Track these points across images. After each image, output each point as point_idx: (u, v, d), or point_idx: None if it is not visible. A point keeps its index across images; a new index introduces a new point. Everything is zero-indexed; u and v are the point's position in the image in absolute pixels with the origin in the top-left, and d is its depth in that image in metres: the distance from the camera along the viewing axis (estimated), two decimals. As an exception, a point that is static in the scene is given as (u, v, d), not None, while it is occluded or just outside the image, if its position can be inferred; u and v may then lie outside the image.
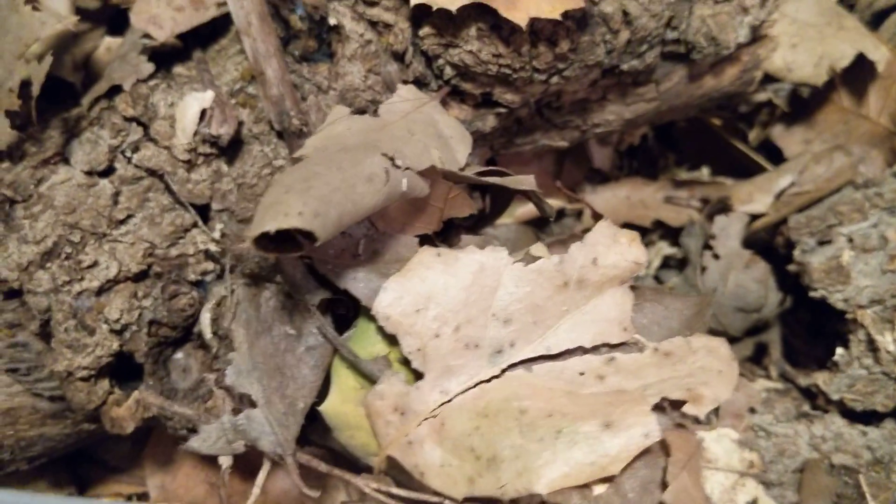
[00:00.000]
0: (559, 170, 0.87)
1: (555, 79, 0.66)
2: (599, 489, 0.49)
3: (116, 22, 0.75)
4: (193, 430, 0.65)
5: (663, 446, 0.50)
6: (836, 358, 0.74)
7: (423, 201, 0.58)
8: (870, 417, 0.73)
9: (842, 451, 0.72)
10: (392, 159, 0.53)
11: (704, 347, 0.52)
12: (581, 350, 0.54)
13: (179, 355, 0.64)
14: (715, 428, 0.72)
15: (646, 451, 0.50)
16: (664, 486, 0.49)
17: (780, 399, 0.76)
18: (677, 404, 0.50)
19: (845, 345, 0.74)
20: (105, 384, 0.63)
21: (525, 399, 0.51)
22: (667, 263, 0.87)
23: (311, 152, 0.54)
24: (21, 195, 0.65)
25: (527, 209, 0.85)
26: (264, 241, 0.46)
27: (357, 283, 0.54)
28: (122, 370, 0.65)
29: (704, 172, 0.90)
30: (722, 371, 0.51)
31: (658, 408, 0.50)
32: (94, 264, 0.63)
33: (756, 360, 0.84)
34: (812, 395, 0.76)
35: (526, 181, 0.58)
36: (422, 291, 0.53)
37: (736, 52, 0.72)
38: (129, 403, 0.64)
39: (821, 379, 0.74)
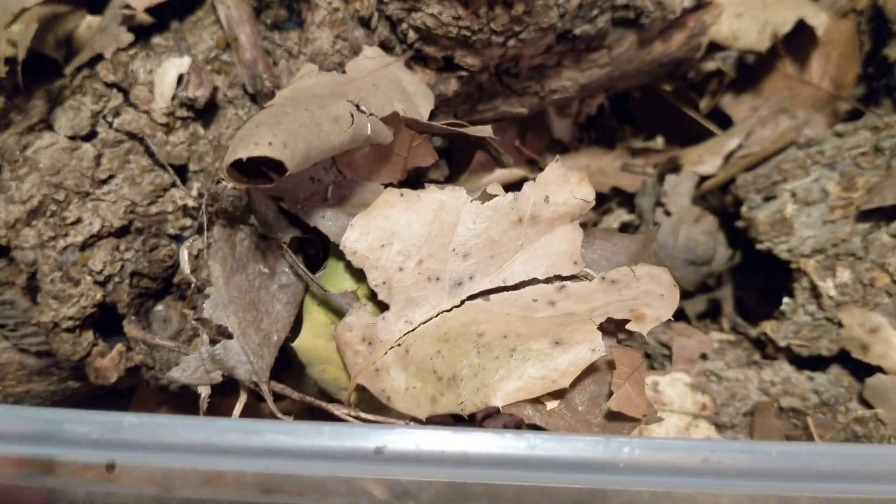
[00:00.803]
0: (522, 141, 0.91)
1: (512, 41, 0.70)
2: (552, 404, 0.53)
3: (96, 3, 0.79)
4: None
5: (609, 365, 0.54)
6: (782, 307, 0.79)
7: (388, 150, 0.62)
8: (816, 363, 0.78)
9: (790, 394, 0.76)
10: (357, 105, 0.57)
11: (648, 275, 0.56)
12: (535, 281, 0.58)
13: (160, 307, 0.68)
14: (669, 372, 0.76)
15: (594, 370, 0.54)
16: (609, 398, 0.53)
17: (731, 348, 0.80)
18: (622, 324, 0.54)
19: (790, 294, 0.78)
20: (89, 335, 0.66)
21: (483, 324, 0.55)
22: (624, 230, 0.92)
23: (282, 100, 0.58)
24: (7, 160, 0.68)
25: (492, 177, 0.89)
26: (236, 172, 0.50)
27: (326, 221, 0.57)
28: (106, 324, 0.69)
29: (659, 142, 0.95)
30: (664, 295, 0.55)
31: (604, 329, 0.53)
32: (78, 221, 0.66)
33: (710, 315, 0.88)
34: (762, 345, 0.81)
35: (484, 130, 0.62)
36: (386, 228, 0.57)
37: (682, 17, 0.76)
38: (112, 354, 0.67)
39: (769, 327, 0.78)
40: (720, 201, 0.85)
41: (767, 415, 0.75)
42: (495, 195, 0.58)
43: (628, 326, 0.53)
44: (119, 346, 0.67)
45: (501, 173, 0.87)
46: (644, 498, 0.44)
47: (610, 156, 0.91)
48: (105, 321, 0.68)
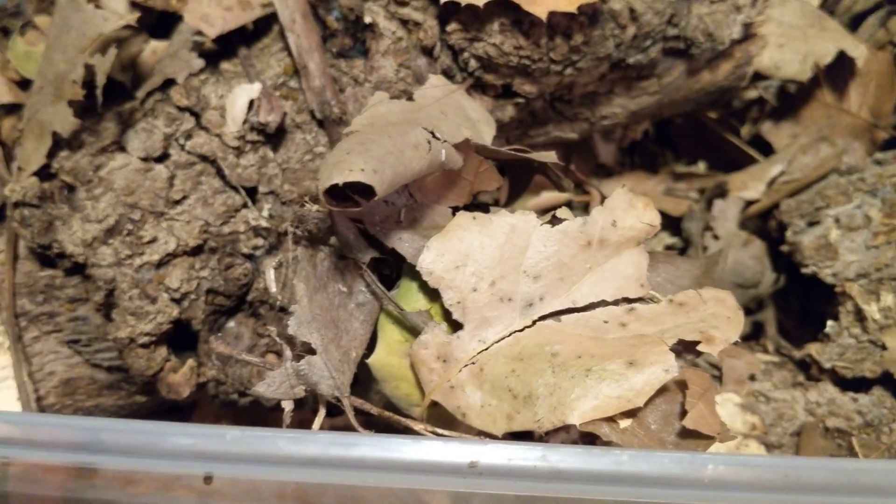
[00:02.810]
0: (567, 165, 0.94)
1: (569, 70, 0.73)
2: (625, 423, 0.55)
3: (156, 28, 0.82)
4: (244, 394, 0.70)
5: (680, 385, 0.56)
6: (827, 330, 0.81)
7: (456, 174, 0.65)
8: (860, 384, 0.80)
9: (835, 415, 0.78)
10: (432, 132, 0.59)
11: (713, 298, 0.59)
12: (603, 303, 0.60)
13: (232, 323, 0.70)
14: (719, 393, 0.78)
15: (664, 390, 0.56)
16: (682, 416, 0.55)
17: (777, 370, 0.82)
18: (692, 345, 0.56)
19: (835, 317, 0.80)
20: (163, 351, 0.69)
21: (556, 344, 0.57)
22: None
23: (360, 127, 0.60)
24: (80, 180, 0.71)
25: (539, 200, 0.91)
26: (328, 196, 0.52)
27: (402, 242, 0.60)
28: (178, 340, 0.71)
29: (701, 167, 0.97)
30: (730, 317, 0.57)
31: (675, 350, 0.56)
32: (154, 240, 0.69)
33: (753, 338, 0.90)
34: (806, 367, 0.83)
35: (549, 156, 0.65)
36: (460, 250, 0.59)
37: (730, 48, 0.79)
38: (184, 370, 0.69)
39: (814, 349, 0.80)
40: (763, 226, 0.88)
41: (814, 435, 0.77)
42: (565, 219, 0.60)
43: (700, 348, 0.55)
44: (190, 362, 0.69)
45: (548, 196, 0.89)
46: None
47: (653, 180, 0.94)
48: (177, 337, 0.70)
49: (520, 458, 0.46)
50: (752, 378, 0.79)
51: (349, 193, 0.55)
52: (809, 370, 0.81)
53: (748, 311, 0.90)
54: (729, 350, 0.81)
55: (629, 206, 0.60)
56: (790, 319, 0.92)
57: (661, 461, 0.46)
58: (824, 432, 0.78)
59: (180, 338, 0.70)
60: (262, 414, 0.73)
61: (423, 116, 0.63)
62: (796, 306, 0.93)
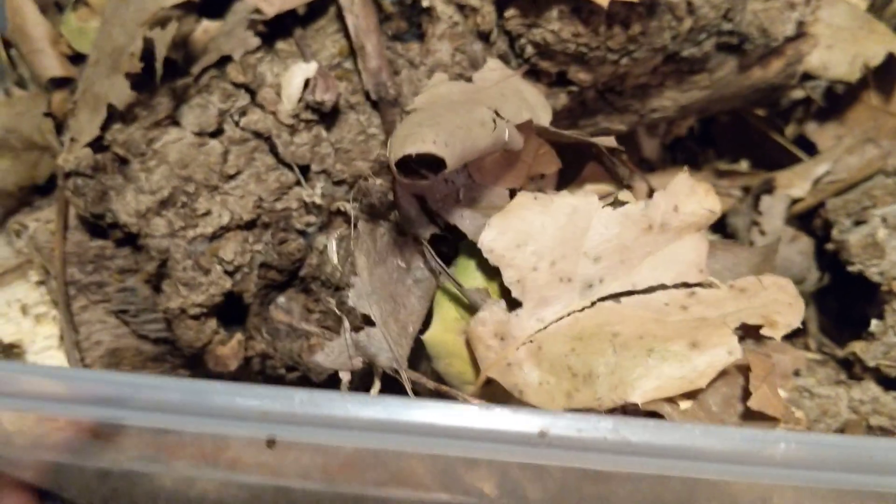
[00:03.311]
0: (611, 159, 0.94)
1: (624, 60, 0.73)
2: (685, 404, 0.55)
3: (206, 8, 0.82)
4: (293, 368, 0.70)
5: (740, 369, 0.56)
6: (871, 328, 0.80)
7: (515, 156, 0.65)
8: (902, 384, 0.79)
9: (879, 413, 0.78)
10: (496, 112, 0.60)
11: (774, 284, 0.59)
12: (663, 287, 0.60)
13: (282, 299, 0.70)
14: (763, 387, 0.77)
15: (725, 374, 0.56)
16: (743, 400, 0.55)
17: (820, 367, 0.82)
18: (754, 330, 0.56)
19: (880, 316, 0.80)
20: (213, 324, 0.69)
21: (616, 325, 0.57)
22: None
23: (423, 105, 0.60)
24: (133, 153, 0.71)
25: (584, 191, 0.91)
26: (398, 168, 0.52)
27: (464, 219, 0.60)
28: (226, 314, 0.71)
29: (743, 165, 0.97)
30: (791, 303, 0.57)
31: (736, 334, 0.56)
32: (208, 213, 0.69)
33: (795, 335, 0.90)
34: (849, 365, 0.82)
35: (609, 140, 0.65)
36: (521, 229, 0.59)
37: (782, 45, 0.79)
38: (232, 343, 0.69)
39: (858, 347, 0.80)
40: (807, 225, 0.88)
41: (858, 432, 0.76)
42: (626, 202, 0.60)
43: (763, 332, 0.55)
44: (238, 336, 0.69)
45: (593, 187, 0.89)
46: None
47: (697, 176, 0.93)
48: (225, 311, 0.70)
49: (590, 429, 0.46)
50: (797, 373, 0.79)
51: (416, 167, 0.55)
52: (852, 368, 0.81)
53: (789, 310, 0.90)
54: (774, 345, 0.81)
55: (691, 192, 0.60)
56: (829, 320, 0.92)
57: (734, 437, 0.46)
58: (867, 430, 0.77)
59: (228, 312, 0.70)
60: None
61: (484, 97, 0.63)
62: (835, 307, 0.93)
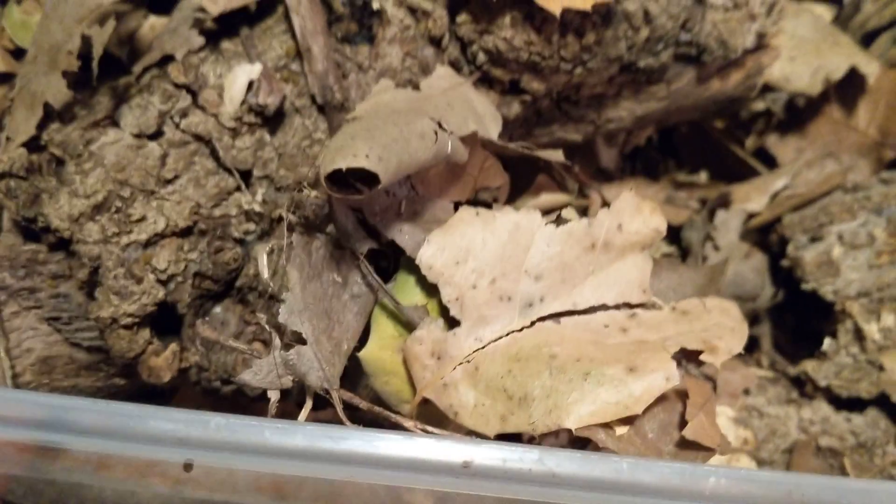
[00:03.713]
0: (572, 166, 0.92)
1: (579, 69, 0.71)
2: (621, 430, 0.53)
3: (156, 4, 0.79)
4: (227, 382, 0.68)
5: (679, 394, 0.55)
6: (824, 347, 0.80)
7: (460, 169, 0.63)
8: (854, 404, 0.79)
9: (828, 434, 0.77)
10: (439, 123, 0.58)
11: (718, 307, 0.57)
12: (604, 307, 0.58)
13: (218, 309, 0.68)
14: (713, 405, 0.76)
15: (663, 399, 0.54)
16: (680, 427, 0.53)
17: (771, 385, 0.81)
18: (694, 355, 0.54)
19: (833, 335, 0.79)
20: (146, 334, 0.66)
21: (555, 346, 0.56)
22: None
23: (364, 113, 0.58)
24: (70, 154, 0.68)
25: (538, 201, 0.90)
26: (329, 182, 0.50)
27: (403, 234, 0.58)
28: (161, 324, 0.69)
29: (703, 176, 0.96)
30: (734, 328, 0.56)
31: (676, 358, 0.54)
32: (143, 218, 0.66)
33: (748, 352, 0.89)
34: (801, 384, 0.82)
35: (556, 154, 0.63)
36: (462, 245, 0.57)
37: (742, 57, 0.78)
38: (166, 354, 0.67)
39: (810, 366, 0.79)
40: (763, 240, 0.87)
41: (806, 453, 0.76)
42: (570, 220, 0.59)
43: (702, 357, 0.54)
44: (173, 346, 0.67)
45: (548, 198, 0.88)
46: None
47: (654, 188, 0.93)
48: (161, 321, 0.68)
49: (515, 460, 0.44)
50: (747, 392, 0.78)
51: (351, 181, 0.53)
52: (804, 387, 0.80)
53: (744, 325, 0.89)
54: (725, 363, 0.80)
55: (636, 211, 0.59)
56: (784, 336, 0.91)
57: (662, 471, 0.44)
58: (816, 451, 0.77)
59: (164, 321, 0.68)
60: (245, 404, 0.71)
61: (429, 107, 0.61)
62: (791, 323, 0.92)
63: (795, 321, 0.91)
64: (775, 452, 0.76)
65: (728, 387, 0.77)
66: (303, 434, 0.45)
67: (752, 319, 0.90)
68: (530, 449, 0.45)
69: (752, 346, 0.89)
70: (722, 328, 0.56)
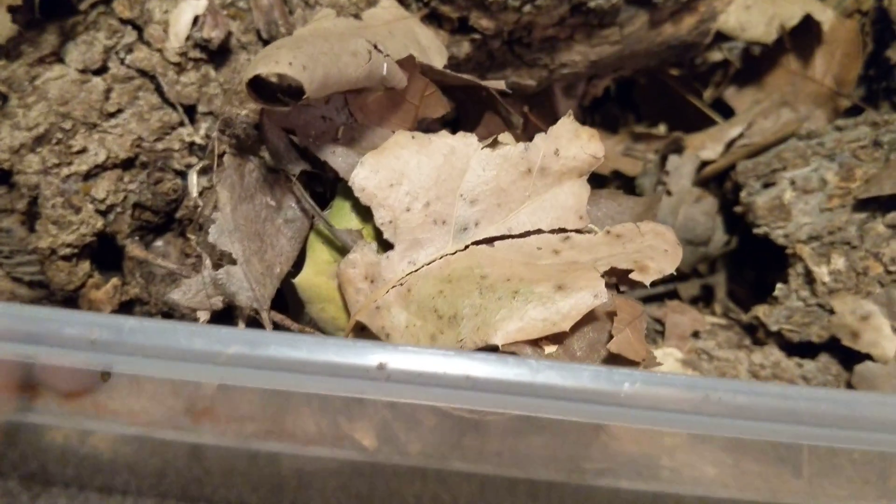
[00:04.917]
0: (526, 120, 0.92)
1: (527, 7, 0.71)
2: (550, 348, 0.53)
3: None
4: (167, 315, 0.68)
5: (609, 315, 0.54)
6: (775, 293, 0.79)
7: (400, 97, 0.62)
8: (806, 349, 0.78)
9: (778, 377, 0.77)
10: (374, 45, 0.57)
11: (652, 231, 0.57)
12: (540, 232, 0.58)
13: (159, 242, 0.67)
14: (661, 347, 0.76)
15: (593, 318, 0.54)
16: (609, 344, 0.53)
17: (722, 331, 0.81)
18: (624, 275, 0.54)
19: (784, 279, 0.79)
20: (86, 266, 0.66)
21: (486, 267, 0.55)
22: (624, 213, 0.92)
23: (300, 35, 0.58)
24: (14, 89, 0.68)
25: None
26: (254, 90, 0.50)
27: (336, 156, 0.58)
28: (103, 258, 0.68)
29: (661, 129, 0.96)
30: (667, 250, 0.56)
31: (606, 279, 0.54)
32: (84, 150, 0.66)
33: (702, 300, 0.89)
34: (753, 330, 0.81)
35: (497, 84, 0.63)
36: (396, 168, 0.57)
37: (694, 1, 0.77)
38: (107, 287, 0.66)
39: (761, 311, 0.79)
40: (719, 188, 0.86)
41: (755, 397, 0.75)
42: (507, 143, 0.58)
43: (631, 276, 0.53)
44: (114, 280, 0.67)
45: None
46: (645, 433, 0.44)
47: (612, 140, 0.92)
48: (102, 255, 0.68)
49: (430, 364, 0.44)
50: (696, 335, 0.77)
51: (279, 95, 0.53)
52: (756, 333, 0.80)
53: (699, 274, 0.88)
54: (674, 306, 0.80)
55: (574, 136, 0.59)
56: (743, 288, 0.91)
57: (578, 374, 0.44)
58: (767, 396, 0.76)
59: (106, 256, 0.68)
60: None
61: (368, 32, 0.61)
62: (751, 276, 0.92)
63: (755, 274, 0.91)
64: (724, 395, 0.75)
65: (676, 329, 0.77)
66: (218, 339, 0.44)
67: (710, 269, 0.90)
68: (446, 352, 0.44)
69: (708, 295, 0.89)
70: (655, 250, 0.55)
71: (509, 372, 0.44)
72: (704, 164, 0.86)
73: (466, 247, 0.57)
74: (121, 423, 0.66)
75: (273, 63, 0.48)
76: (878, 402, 0.43)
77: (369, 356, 0.44)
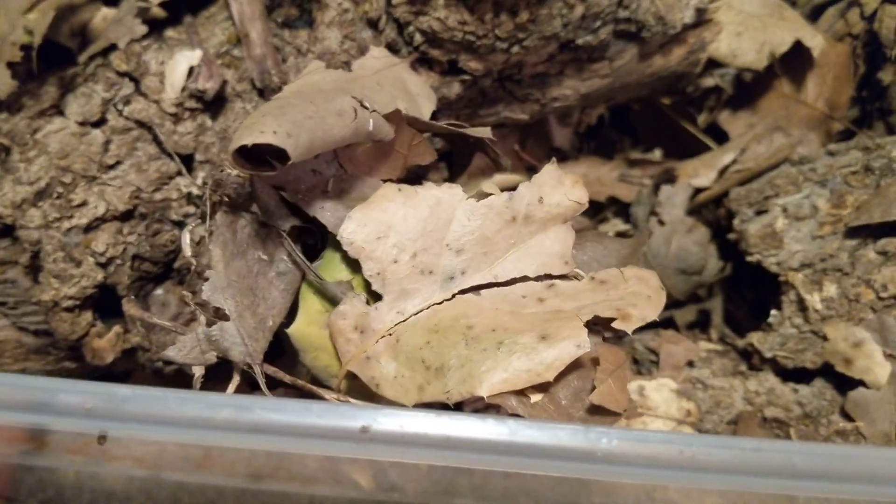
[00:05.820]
0: (522, 148, 0.93)
1: (515, 48, 0.72)
2: (536, 397, 0.54)
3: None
4: (168, 362, 0.70)
5: (594, 363, 0.55)
6: (769, 319, 0.80)
7: (389, 147, 0.64)
8: (800, 375, 0.79)
9: (773, 405, 0.77)
10: (361, 101, 0.59)
11: (636, 277, 0.58)
12: (525, 279, 0.59)
13: (159, 291, 0.69)
14: (655, 378, 0.77)
15: (579, 366, 0.55)
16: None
17: (718, 358, 0.81)
18: (608, 322, 0.55)
19: (778, 306, 0.80)
20: (88, 316, 0.68)
21: (472, 317, 0.57)
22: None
23: (289, 93, 0.59)
24: (17, 142, 0.70)
25: (488, 182, 0.90)
26: (241, 158, 0.52)
27: (325, 211, 0.59)
28: (105, 306, 0.70)
29: (657, 154, 0.96)
30: (650, 296, 0.57)
31: (591, 328, 0.55)
32: (84, 203, 0.68)
33: (699, 326, 0.90)
34: (748, 356, 0.82)
35: (483, 131, 0.64)
36: (383, 220, 0.58)
37: (682, 33, 0.78)
38: (109, 336, 0.68)
39: (755, 338, 0.80)
40: (713, 214, 0.87)
41: (751, 424, 0.76)
42: (490, 194, 0.59)
43: (614, 325, 0.54)
44: (117, 328, 0.69)
45: (500, 178, 0.88)
46: (625, 489, 0.45)
47: (608, 166, 0.93)
48: (104, 303, 0.70)
49: (411, 425, 0.45)
50: (691, 364, 0.78)
51: (267, 157, 0.54)
52: (751, 360, 0.81)
53: (695, 299, 0.89)
54: (668, 336, 0.81)
55: (557, 183, 0.60)
56: (739, 310, 0.91)
57: (556, 433, 0.45)
58: (762, 422, 0.77)
59: (108, 304, 0.70)
60: (190, 383, 0.73)
61: (356, 86, 0.62)
62: (749, 297, 0.92)
63: (750, 297, 0.91)
64: (719, 424, 0.76)
65: (671, 359, 0.77)
66: (206, 404, 0.46)
67: (707, 294, 0.91)
68: (427, 413, 0.46)
69: (704, 320, 0.90)
70: (637, 296, 0.56)
71: (489, 432, 0.45)
72: (698, 190, 0.86)
73: (453, 296, 0.59)
74: (127, 467, 0.68)
75: (258, 133, 0.49)
76: (847, 454, 0.44)
77: (352, 419, 0.46)
